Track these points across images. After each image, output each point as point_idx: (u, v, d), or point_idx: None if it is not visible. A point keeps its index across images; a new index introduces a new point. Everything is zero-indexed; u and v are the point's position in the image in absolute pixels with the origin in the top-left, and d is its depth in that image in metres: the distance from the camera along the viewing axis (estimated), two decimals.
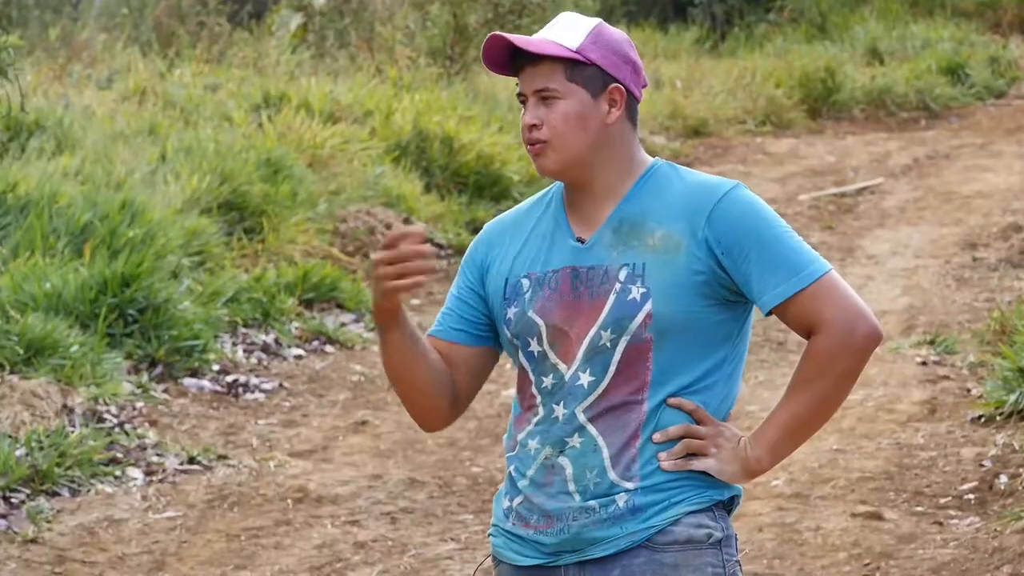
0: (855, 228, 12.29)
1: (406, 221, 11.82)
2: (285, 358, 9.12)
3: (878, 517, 6.41)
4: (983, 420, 7.43)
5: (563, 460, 3.15)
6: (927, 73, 18.03)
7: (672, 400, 3.12)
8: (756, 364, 8.69)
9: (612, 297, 3.12)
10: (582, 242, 3.18)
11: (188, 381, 8.41)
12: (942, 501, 6.60)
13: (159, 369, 8.38)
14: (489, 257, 3.29)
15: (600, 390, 3.13)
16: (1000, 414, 7.38)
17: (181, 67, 14.37)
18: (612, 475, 3.12)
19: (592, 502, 3.13)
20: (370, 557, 6.33)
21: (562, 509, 3.15)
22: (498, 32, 3.15)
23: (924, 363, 8.45)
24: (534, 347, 3.19)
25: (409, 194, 12.12)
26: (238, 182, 10.70)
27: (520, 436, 3.21)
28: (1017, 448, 6.93)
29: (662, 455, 3.12)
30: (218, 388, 8.45)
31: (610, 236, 3.16)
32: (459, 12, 15.93)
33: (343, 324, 9.72)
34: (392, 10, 16.88)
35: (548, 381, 3.17)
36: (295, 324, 9.55)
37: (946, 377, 8.20)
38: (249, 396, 8.43)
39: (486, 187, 13.05)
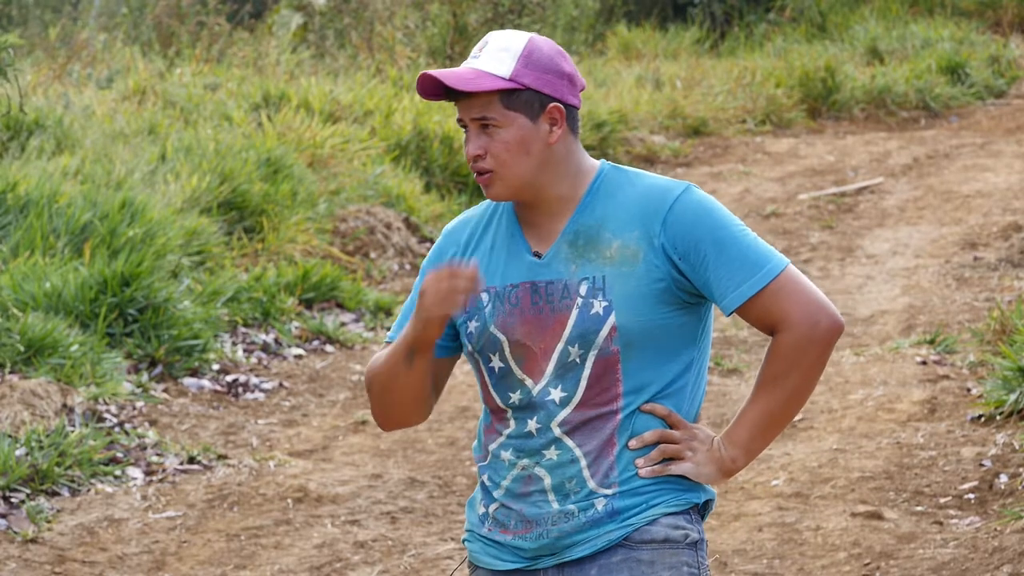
0: (855, 228, 12.29)
1: (406, 221, 11.83)
2: (285, 358, 9.12)
3: (878, 517, 6.41)
4: (983, 420, 7.43)
5: (540, 471, 3.17)
6: (927, 72, 18.02)
7: (645, 406, 3.15)
8: (756, 364, 8.69)
9: (575, 312, 3.13)
10: (539, 256, 3.18)
11: (188, 381, 8.41)
12: (942, 501, 6.60)
13: (159, 369, 8.38)
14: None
15: (573, 405, 3.14)
16: (1000, 413, 7.38)
17: (181, 67, 14.37)
18: (591, 484, 3.15)
19: (571, 506, 3.15)
20: (370, 557, 6.33)
21: (541, 514, 3.17)
22: (427, 72, 3.13)
23: (924, 363, 8.45)
24: (495, 363, 3.19)
25: (409, 194, 12.12)
26: (238, 182, 10.70)
27: (492, 447, 3.22)
28: (1017, 448, 6.93)
29: (639, 462, 3.15)
30: (218, 388, 8.45)
31: (567, 250, 3.16)
32: (459, 12, 15.93)
33: (343, 324, 9.72)
34: (392, 10, 16.89)
35: (516, 396, 3.18)
36: (295, 324, 9.55)
37: (946, 377, 8.20)
38: (249, 396, 8.43)
39: None
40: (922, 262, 10.98)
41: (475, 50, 3.19)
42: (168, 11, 16.65)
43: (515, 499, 3.19)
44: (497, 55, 3.14)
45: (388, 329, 9.82)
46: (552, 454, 3.15)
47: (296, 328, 9.50)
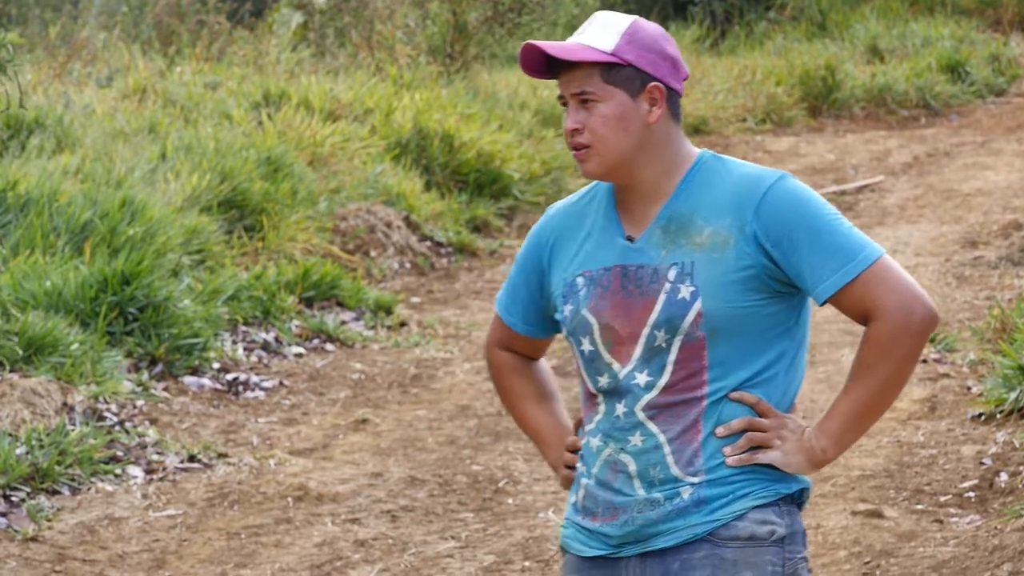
0: (855, 226, 12.29)
1: (406, 219, 11.83)
2: (285, 356, 9.12)
3: (878, 515, 6.41)
4: (983, 418, 7.43)
5: (625, 457, 3.17)
6: (927, 71, 18.02)
7: (733, 394, 3.12)
8: None
9: (662, 297, 3.12)
10: (631, 240, 3.18)
11: (188, 379, 8.41)
12: (942, 499, 6.60)
13: (159, 367, 8.38)
14: (553, 253, 3.30)
15: (658, 389, 3.14)
16: (1000, 412, 7.38)
17: (181, 65, 14.37)
18: (675, 470, 3.13)
19: (657, 494, 3.14)
20: (370, 555, 6.33)
21: (627, 502, 3.16)
22: (532, 42, 3.14)
23: (924, 361, 8.45)
24: (586, 346, 3.20)
25: (409, 192, 12.12)
26: (238, 180, 10.70)
27: (585, 433, 3.25)
28: (1017, 446, 6.93)
29: (726, 450, 3.13)
30: (218, 386, 8.45)
31: (659, 235, 3.16)
32: (459, 10, 15.93)
33: (343, 322, 9.71)
34: (392, 8, 16.88)
35: (604, 380, 3.18)
36: (295, 322, 9.55)
37: (946, 375, 8.20)
38: (249, 394, 8.43)
39: (486, 185, 13.05)
40: (922, 260, 10.98)
41: (581, 28, 3.20)
42: (168, 10, 16.64)
43: (602, 486, 3.19)
44: (601, 31, 3.16)
45: (389, 328, 9.82)
46: (637, 440, 3.15)
47: (296, 327, 9.50)
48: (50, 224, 9.17)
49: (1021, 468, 6.71)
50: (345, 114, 13.21)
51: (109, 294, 8.45)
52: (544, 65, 3.17)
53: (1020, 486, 6.53)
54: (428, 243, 11.87)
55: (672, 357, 3.12)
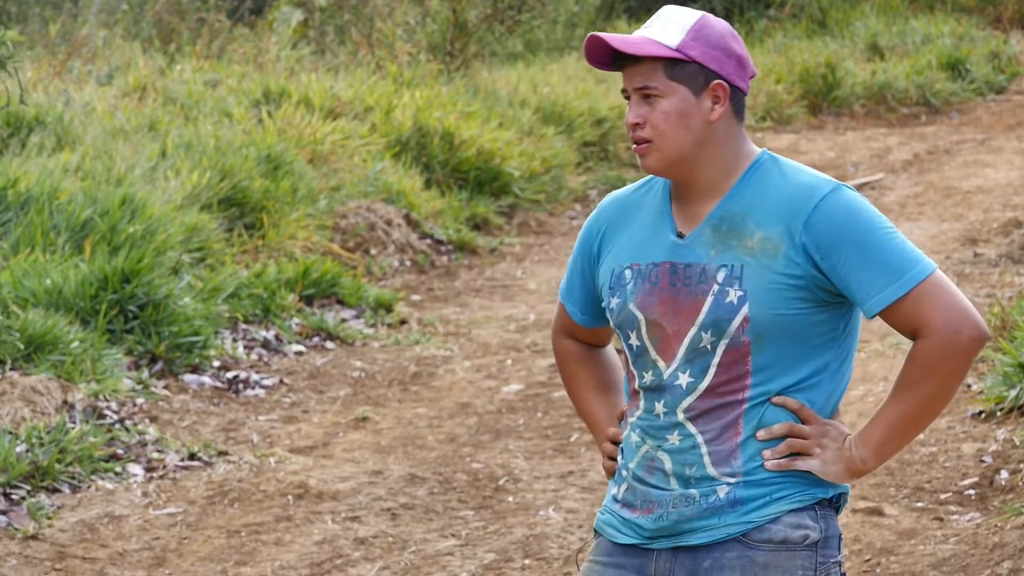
0: None
1: (406, 217, 11.82)
2: (285, 354, 9.12)
3: (879, 513, 6.41)
4: (983, 416, 7.43)
5: (662, 455, 3.17)
6: (927, 68, 18.02)
7: (776, 399, 3.12)
8: None
9: (710, 298, 3.12)
10: (681, 237, 3.17)
11: (188, 377, 8.41)
12: (942, 497, 6.60)
13: (159, 365, 8.38)
14: (604, 242, 3.31)
15: (700, 391, 3.13)
16: (1000, 410, 7.38)
17: (181, 63, 14.36)
18: (711, 470, 3.13)
19: (693, 491, 3.14)
20: (370, 553, 6.33)
21: (663, 496, 3.17)
22: (596, 33, 3.13)
23: None
24: (634, 340, 3.20)
25: (409, 190, 12.12)
26: (238, 178, 10.70)
27: (627, 426, 3.26)
28: (1017, 444, 6.93)
29: (766, 453, 3.12)
30: (218, 384, 8.45)
31: (709, 234, 3.15)
32: (459, 8, 15.93)
33: (343, 320, 9.72)
34: (392, 6, 16.88)
35: (648, 377, 3.18)
36: (295, 320, 9.55)
37: None
38: (249, 392, 8.43)
39: (486, 183, 13.05)
40: None
41: (648, 21, 3.19)
42: (168, 7, 16.64)
43: (640, 481, 3.20)
44: (667, 26, 3.15)
45: (389, 326, 9.82)
46: (675, 439, 3.15)
47: (296, 324, 9.50)
48: (50, 222, 9.17)
49: (1021, 466, 6.71)
50: (345, 112, 13.21)
51: (109, 292, 8.45)
52: (609, 57, 3.16)
53: (1020, 484, 6.53)
54: (428, 241, 11.87)
55: (716, 360, 3.11)
